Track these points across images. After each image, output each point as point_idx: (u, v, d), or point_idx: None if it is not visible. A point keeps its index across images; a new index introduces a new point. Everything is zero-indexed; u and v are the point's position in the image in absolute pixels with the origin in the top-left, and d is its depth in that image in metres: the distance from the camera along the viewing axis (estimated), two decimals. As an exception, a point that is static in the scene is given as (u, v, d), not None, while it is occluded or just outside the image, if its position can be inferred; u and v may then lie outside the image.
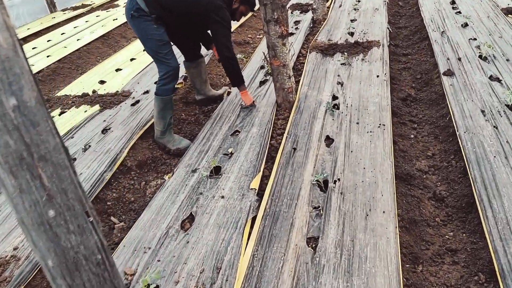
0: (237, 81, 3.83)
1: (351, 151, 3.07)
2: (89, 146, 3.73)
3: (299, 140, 3.27)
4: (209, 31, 3.69)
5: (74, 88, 5.11)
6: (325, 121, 3.50)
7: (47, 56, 6.40)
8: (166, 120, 3.64)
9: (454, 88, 3.78)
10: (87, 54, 6.59)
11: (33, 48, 6.95)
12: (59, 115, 4.47)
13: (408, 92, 4.16)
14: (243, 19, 5.10)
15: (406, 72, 4.63)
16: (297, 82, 4.32)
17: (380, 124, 3.35)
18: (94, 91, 4.90)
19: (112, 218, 3.08)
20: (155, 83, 4.63)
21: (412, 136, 3.52)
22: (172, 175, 3.21)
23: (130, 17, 3.44)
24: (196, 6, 3.47)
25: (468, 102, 3.52)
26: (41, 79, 5.67)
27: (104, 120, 4.14)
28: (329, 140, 3.29)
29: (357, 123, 3.42)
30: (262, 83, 4.45)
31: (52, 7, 9.31)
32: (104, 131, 3.98)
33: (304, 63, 4.75)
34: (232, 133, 3.58)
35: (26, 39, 7.67)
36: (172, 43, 3.75)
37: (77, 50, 6.56)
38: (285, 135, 3.35)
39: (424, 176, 3.05)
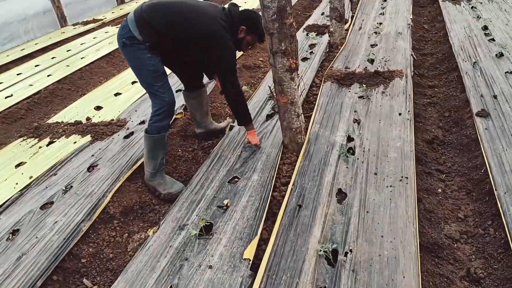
0: (244, 120, 3.39)
1: (367, 212, 2.58)
2: (71, 187, 3.32)
3: (306, 193, 2.79)
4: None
5: (68, 114, 4.74)
6: (337, 169, 3.02)
7: (48, 76, 6.08)
8: (158, 161, 3.21)
9: (490, 134, 3.26)
10: (90, 74, 6.25)
11: (35, 66, 6.66)
12: (47, 145, 4.08)
13: (434, 133, 3.65)
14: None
15: (432, 108, 4.11)
16: (308, 117, 3.84)
17: (402, 177, 2.85)
18: (88, 119, 4.51)
19: (84, 280, 2.64)
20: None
21: (439, 190, 3.00)
22: (158, 228, 2.76)
23: (122, 45, 3.04)
24: (194, 32, 3.04)
25: (508, 153, 2.99)
26: (37, 102, 5.33)
27: (93, 155, 3.73)
28: (341, 195, 2.80)
29: (375, 173, 2.93)
30: (269, 117, 3.99)
31: (62, 21, 9.06)
32: (91, 168, 3.56)
33: (317, 94, 4.28)
34: (230, 179, 3.12)
35: (33, 55, 7.40)
36: (170, 71, 3.33)
37: (79, 69, 6.23)
38: (290, 186, 2.87)
39: (455, 245, 2.54)
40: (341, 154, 3.17)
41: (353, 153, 3.20)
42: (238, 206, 2.80)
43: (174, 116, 3.22)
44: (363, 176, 2.92)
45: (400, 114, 3.68)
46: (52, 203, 3.15)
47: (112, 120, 4.41)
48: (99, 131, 4.15)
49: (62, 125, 4.41)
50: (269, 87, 3.26)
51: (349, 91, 4.24)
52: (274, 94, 3.22)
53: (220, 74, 3.19)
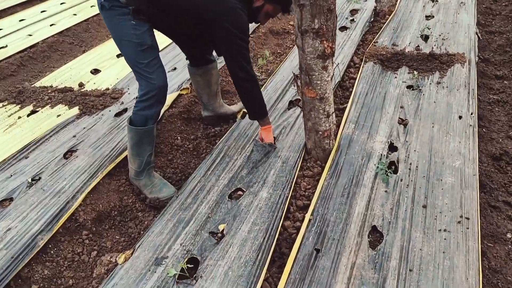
0: (258, 112, 2.65)
1: (410, 270, 1.85)
2: (39, 178, 2.69)
3: (328, 230, 2.07)
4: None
5: (60, 76, 4.06)
6: (373, 193, 2.27)
7: (50, 25, 5.38)
8: (143, 158, 2.53)
9: None
10: (97, 26, 5.52)
11: (41, 12, 5.96)
12: (28, 115, 3.45)
13: (502, 146, 2.81)
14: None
15: (499, 108, 3.24)
16: (341, 110, 3.05)
17: (461, 217, 2.09)
18: (81, 85, 3.83)
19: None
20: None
21: (508, 235, 2.23)
22: (131, 254, 2.11)
23: (100, 8, 2.31)
24: (196, 3, 2.28)
25: None
26: (32, 57, 4.66)
27: (74, 136, 3.08)
28: (375, 235, 2.07)
29: (424, 206, 2.17)
30: (292, 104, 3.22)
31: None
32: (68, 154, 2.92)
33: (355, 79, 3.45)
34: (232, 191, 2.42)
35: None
36: (169, 40, 2.62)
37: (85, 20, 5.50)
38: (307, 216, 2.16)
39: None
40: (379, 171, 2.40)
41: (396, 171, 2.43)
42: (236, 236, 2.11)
43: (165, 104, 2.46)
44: (407, 209, 2.17)
45: (460, 117, 2.84)
46: (11, 199, 2.54)
47: (107, 89, 3.72)
48: (89, 103, 3.48)
49: (49, 91, 3.75)
50: (294, 75, 2.47)
51: (395, 77, 3.39)
52: (300, 85, 2.44)
53: (227, 56, 2.42)
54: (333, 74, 2.39)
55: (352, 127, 2.79)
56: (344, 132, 2.73)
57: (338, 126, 2.82)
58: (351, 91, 3.27)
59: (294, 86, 3.32)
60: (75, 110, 3.42)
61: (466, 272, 1.84)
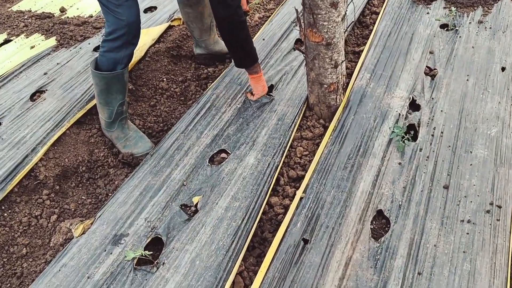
0: (245, 59, 2.17)
1: (419, 274, 1.48)
2: (0, 123, 2.34)
3: (321, 214, 1.69)
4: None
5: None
6: (384, 166, 1.85)
7: None
8: (113, 108, 2.13)
9: None
10: None
11: None
12: (0, 45, 3.03)
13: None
14: None
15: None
16: (357, 55, 2.53)
17: (491, 204, 1.67)
18: (62, 10, 3.35)
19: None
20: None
21: (548, 226, 1.80)
22: (91, 224, 1.80)
23: None
24: None
25: None
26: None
27: (46, 73, 2.67)
28: (380, 222, 1.68)
29: (446, 187, 1.75)
30: (299, 42, 2.70)
31: None
32: (36, 95, 2.54)
33: (377, 14, 2.87)
34: (214, 153, 2.03)
35: None
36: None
37: None
38: (299, 192, 1.76)
39: None
40: (394, 137, 1.95)
41: (415, 137, 1.98)
42: (211, 214, 1.75)
43: (137, 44, 2.00)
44: (423, 189, 1.75)
45: (503, 69, 2.30)
46: (-35, 149, 2.21)
47: (91, 16, 3.23)
48: (67, 33, 3.03)
49: (26, 17, 3.29)
50: (297, 11, 1.95)
51: (427, 13, 2.79)
52: (302, 25, 1.93)
53: None
54: (346, 13, 1.86)
55: (367, 77, 2.29)
56: (357, 84, 2.24)
57: (350, 75, 2.33)
58: (372, 30, 2.71)
59: (296, 25, 2.77)
60: (52, 41, 2.98)
61: (490, 281, 1.45)
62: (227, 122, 2.17)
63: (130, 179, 1.96)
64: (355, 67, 2.37)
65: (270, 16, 3.11)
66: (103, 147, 2.32)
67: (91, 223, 1.83)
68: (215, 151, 2.03)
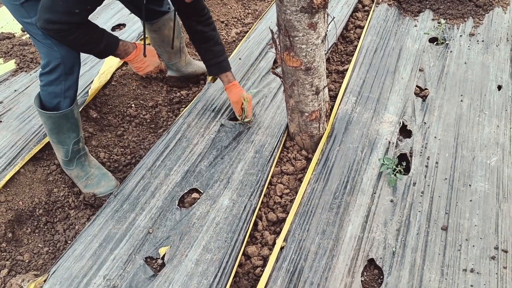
0: (220, 64, 1.99)
1: None
2: None
3: (305, 268, 1.47)
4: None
5: (1, 17, 3.31)
6: (374, 204, 1.64)
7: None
8: (68, 146, 1.90)
9: None
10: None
11: None
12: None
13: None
14: None
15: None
16: (341, 74, 2.33)
17: (496, 249, 1.47)
18: (24, 30, 3.10)
19: None
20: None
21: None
22: (45, 282, 1.56)
23: None
24: None
25: None
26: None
27: (1, 102, 2.42)
28: (372, 274, 1.48)
29: (444, 228, 1.55)
30: (277, 63, 2.49)
31: None
32: (-10, 127, 2.29)
33: (362, 28, 2.68)
34: (184, 194, 1.80)
35: None
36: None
37: None
38: (279, 241, 1.54)
39: None
40: (384, 169, 1.75)
41: (407, 169, 1.78)
42: (179, 268, 1.53)
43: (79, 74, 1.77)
44: (419, 232, 1.55)
45: (499, 87, 2.12)
46: None
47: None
48: (27, 55, 2.79)
49: (-16, 38, 3.03)
50: (272, 32, 1.74)
51: (415, 26, 2.61)
52: (278, 47, 1.72)
53: None
54: (326, 34, 1.66)
55: (352, 100, 2.09)
56: (341, 109, 2.04)
57: (334, 97, 2.13)
58: (356, 45, 2.52)
59: (272, 47, 2.56)
60: (11, 65, 2.74)
61: None
62: (199, 155, 1.95)
63: (90, 227, 1.73)
64: (339, 89, 2.17)
65: (248, 31, 2.90)
66: (63, 185, 2.08)
67: (44, 280, 1.59)
68: (185, 191, 1.81)
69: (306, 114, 1.81)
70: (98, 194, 1.98)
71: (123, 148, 2.28)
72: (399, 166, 1.76)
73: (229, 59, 2.43)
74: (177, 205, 1.75)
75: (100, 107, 2.40)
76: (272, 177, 1.83)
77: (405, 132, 1.97)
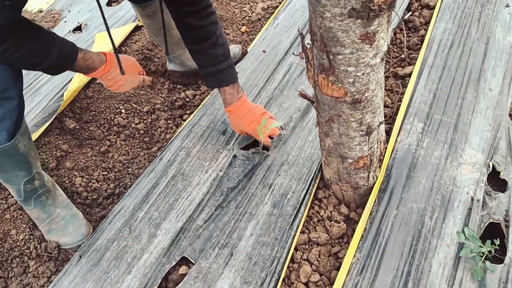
0: (222, 74, 1.42)
1: None
2: None
3: None
4: None
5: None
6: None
7: None
8: (19, 186, 1.40)
9: None
10: None
11: None
12: None
13: None
14: None
15: None
16: (401, 80, 1.68)
17: None
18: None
19: None
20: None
21: None
22: None
23: None
24: None
25: None
26: None
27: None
28: None
29: None
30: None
31: None
32: None
33: (431, 9, 1.96)
34: (172, 267, 1.26)
35: None
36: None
37: None
38: None
39: None
40: (466, 251, 1.13)
41: (503, 250, 1.16)
42: None
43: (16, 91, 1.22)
44: None
45: None
46: None
47: (40, 11, 2.44)
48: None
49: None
50: (301, 35, 1.10)
51: (507, 5, 1.88)
52: (310, 64, 1.09)
53: None
54: (389, 45, 1.01)
55: (418, 128, 1.45)
56: (401, 143, 1.41)
57: (390, 118, 1.49)
58: (423, 36, 1.83)
59: (301, 58, 1.89)
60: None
61: None
62: (199, 204, 1.39)
63: None
64: (397, 106, 1.52)
65: (277, 6, 2.25)
66: (23, 225, 1.59)
67: None
68: (174, 262, 1.27)
69: (350, 160, 1.21)
70: (63, 245, 1.49)
71: (106, 171, 1.76)
72: (487, 244, 1.14)
73: (249, 49, 1.82)
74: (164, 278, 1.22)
75: (80, 114, 1.86)
76: (295, 248, 1.26)
77: (495, 181, 1.33)
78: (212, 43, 1.37)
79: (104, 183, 1.72)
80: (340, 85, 1.02)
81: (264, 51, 1.90)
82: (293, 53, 1.82)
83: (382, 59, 1.01)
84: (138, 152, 1.82)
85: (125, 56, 1.34)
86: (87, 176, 1.73)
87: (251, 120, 1.43)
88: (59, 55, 1.14)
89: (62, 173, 1.71)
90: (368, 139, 1.16)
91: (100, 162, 1.78)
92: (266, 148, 1.49)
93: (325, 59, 0.99)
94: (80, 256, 1.35)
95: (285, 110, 1.63)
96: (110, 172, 1.76)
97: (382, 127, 1.20)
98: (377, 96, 1.08)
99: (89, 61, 1.22)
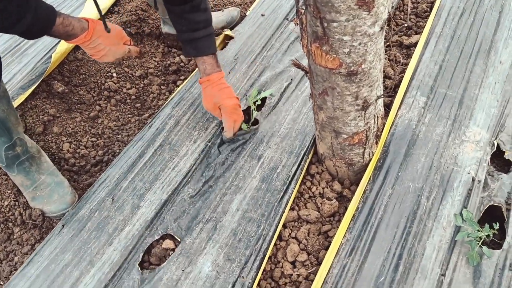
0: (202, 42, 1.35)
1: None
2: None
3: None
4: None
5: None
6: (441, 300, 1.00)
7: None
8: (1, 152, 1.33)
9: None
10: None
11: None
12: None
13: None
14: None
15: None
16: (406, 50, 1.58)
17: None
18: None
19: None
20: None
21: None
22: None
23: None
24: None
25: None
26: None
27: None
28: None
29: None
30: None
31: None
32: None
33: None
34: (155, 240, 1.22)
35: None
36: None
37: None
38: None
39: None
40: (462, 235, 1.08)
41: (502, 235, 1.10)
42: None
43: None
44: None
45: None
46: None
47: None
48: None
49: None
50: (296, 0, 1.01)
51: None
52: (304, 32, 1.00)
53: None
54: (390, 13, 0.92)
55: (420, 102, 1.36)
56: (402, 118, 1.32)
57: (391, 91, 1.40)
58: (433, 3, 1.71)
59: (295, 25, 1.77)
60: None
61: None
62: (186, 175, 1.33)
63: (27, 266, 1.21)
64: (399, 79, 1.43)
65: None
66: (9, 191, 1.55)
67: None
68: (157, 237, 1.22)
69: (344, 136, 1.13)
70: (47, 213, 1.45)
71: (95, 137, 1.70)
72: (485, 227, 1.08)
73: (248, 13, 1.72)
74: (141, 262, 1.18)
75: (69, 77, 1.78)
76: (284, 226, 1.21)
77: (500, 161, 1.25)
78: (193, 7, 1.27)
79: (93, 149, 1.66)
80: (335, 55, 0.94)
81: (263, 15, 1.80)
82: (287, 19, 1.71)
83: (382, 28, 0.92)
84: (129, 119, 1.76)
85: (111, 24, 1.25)
86: (75, 142, 1.67)
87: (231, 94, 1.34)
88: (34, 19, 1.06)
89: (49, 139, 1.65)
90: (364, 114, 1.08)
91: (89, 127, 1.72)
92: (255, 122, 1.42)
93: (318, 26, 0.90)
94: (63, 225, 1.32)
95: (279, 77, 1.54)
96: (99, 138, 1.70)
97: (380, 101, 1.12)
98: (375, 69, 0.99)
99: (69, 27, 1.14)
